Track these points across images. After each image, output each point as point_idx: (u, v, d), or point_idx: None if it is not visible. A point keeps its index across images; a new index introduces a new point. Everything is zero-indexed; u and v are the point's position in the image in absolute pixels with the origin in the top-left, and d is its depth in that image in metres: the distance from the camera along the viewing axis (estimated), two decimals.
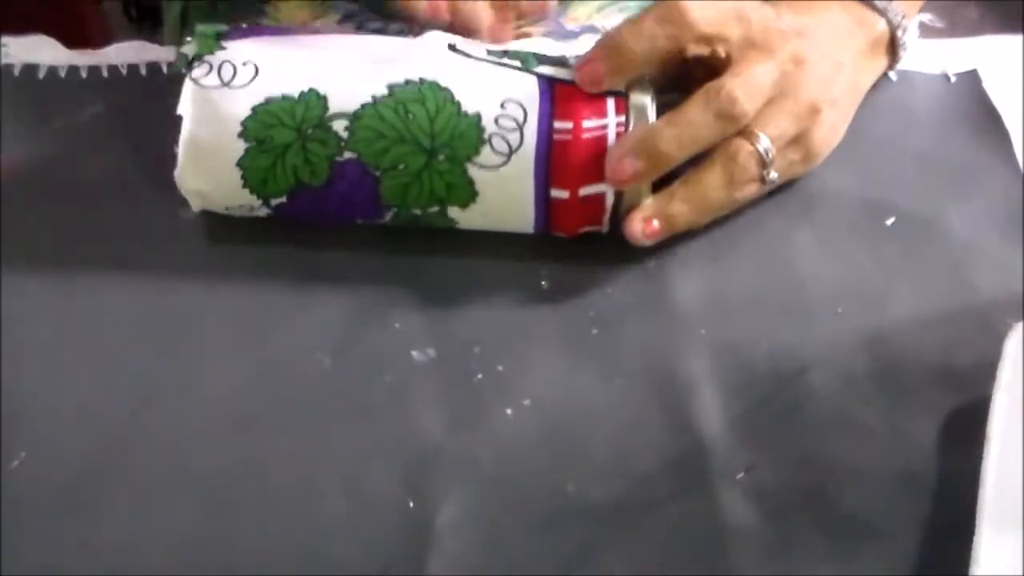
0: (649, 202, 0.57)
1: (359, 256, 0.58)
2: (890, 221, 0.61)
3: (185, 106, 0.56)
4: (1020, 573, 0.46)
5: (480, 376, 0.55)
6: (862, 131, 0.63)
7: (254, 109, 0.55)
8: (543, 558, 0.49)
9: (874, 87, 0.66)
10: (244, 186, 0.56)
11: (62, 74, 0.66)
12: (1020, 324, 0.52)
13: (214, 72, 0.56)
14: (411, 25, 0.78)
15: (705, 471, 0.52)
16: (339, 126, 0.55)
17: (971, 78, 0.68)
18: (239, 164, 0.56)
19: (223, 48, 0.57)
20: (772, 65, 0.58)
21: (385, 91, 0.55)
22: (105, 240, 0.59)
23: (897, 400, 0.54)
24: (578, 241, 0.59)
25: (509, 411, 0.54)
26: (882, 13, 0.64)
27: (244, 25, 0.58)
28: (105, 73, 0.66)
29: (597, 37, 0.78)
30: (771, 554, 0.49)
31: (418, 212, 0.57)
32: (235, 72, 0.56)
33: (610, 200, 0.57)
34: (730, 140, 0.57)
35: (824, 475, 0.52)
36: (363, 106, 0.55)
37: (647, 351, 0.56)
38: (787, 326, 0.57)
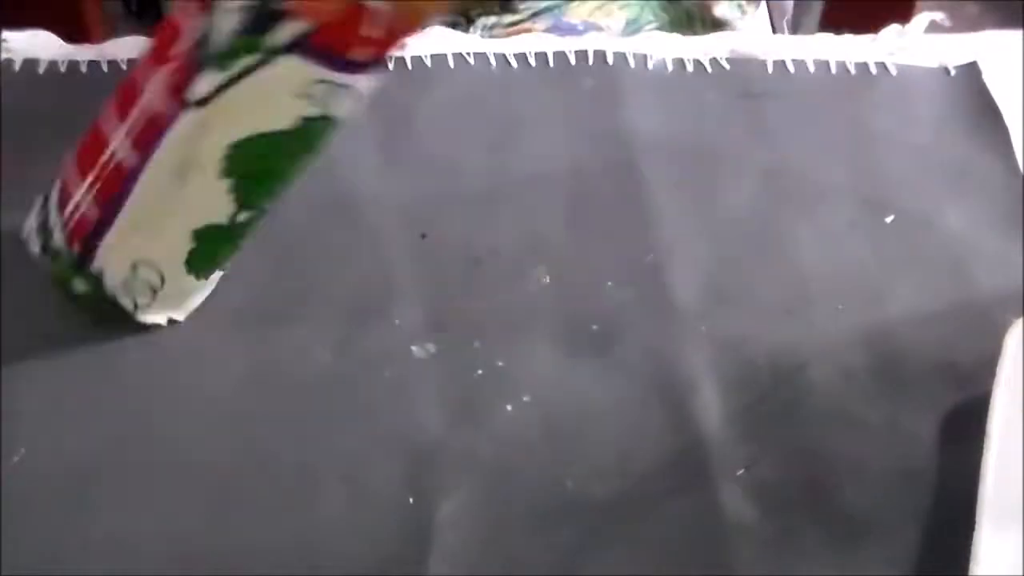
0: None
1: (359, 252, 0.58)
2: (889, 218, 0.61)
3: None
4: (1021, 570, 0.46)
5: (480, 372, 0.55)
6: (862, 126, 0.63)
7: None
8: (543, 554, 0.49)
9: (874, 81, 0.66)
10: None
11: (62, 69, 0.66)
12: (1020, 320, 0.52)
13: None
14: None
15: (705, 467, 0.52)
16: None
17: (971, 70, 0.68)
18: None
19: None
20: None
21: None
22: None
23: (897, 396, 0.54)
24: (578, 237, 0.58)
25: (509, 407, 0.54)
26: None
27: None
28: (105, 68, 0.66)
29: (601, 36, 0.79)
30: (771, 550, 0.50)
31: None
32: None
33: None
34: None
35: (824, 471, 0.52)
36: None
37: (647, 347, 0.56)
38: (787, 322, 0.57)
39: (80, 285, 0.54)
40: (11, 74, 0.66)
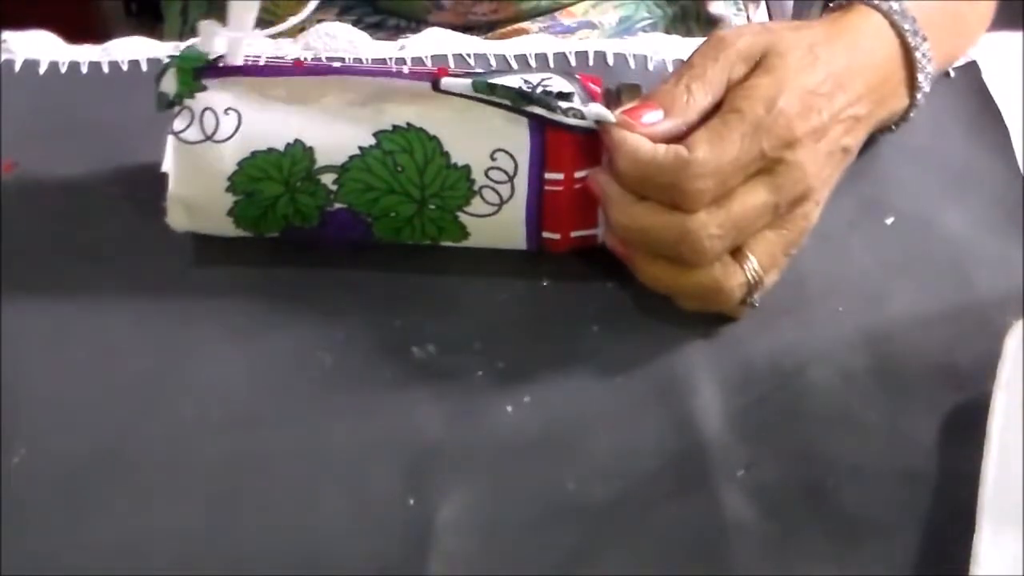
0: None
1: (359, 253, 0.58)
2: (890, 220, 0.61)
3: (169, 163, 0.55)
4: (1020, 571, 0.46)
5: (480, 373, 0.55)
6: None
7: (240, 164, 0.55)
8: (543, 555, 0.49)
9: None
10: (237, 227, 0.56)
11: (63, 69, 0.66)
12: (1020, 322, 0.52)
13: (196, 123, 0.55)
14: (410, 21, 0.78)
15: (705, 468, 0.52)
16: (327, 179, 0.55)
17: (971, 70, 0.68)
18: (229, 213, 0.56)
19: (203, 89, 0.55)
20: (771, 200, 0.53)
21: (372, 140, 0.55)
22: (106, 237, 0.59)
23: (897, 398, 0.54)
24: None
25: (509, 408, 0.54)
26: (916, 89, 0.60)
27: (221, 62, 0.56)
28: (106, 68, 0.66)
29: (594, 33, 0.79)
30: (771, 551, 0.50)
31: (411, 243, 0.57)
32: (217, 123, 0.55)
33: (602, 239, 0.57)
34: (723, 262, 0.54)
35: (824, 472, 0.52)
36: (350, 158, 0.54)
37: (647, 348, 0.56)
38: (787, 324, 0.57)
39: (170, 85, 0.55)
40: (11, 74, 0.65)
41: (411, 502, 0.51)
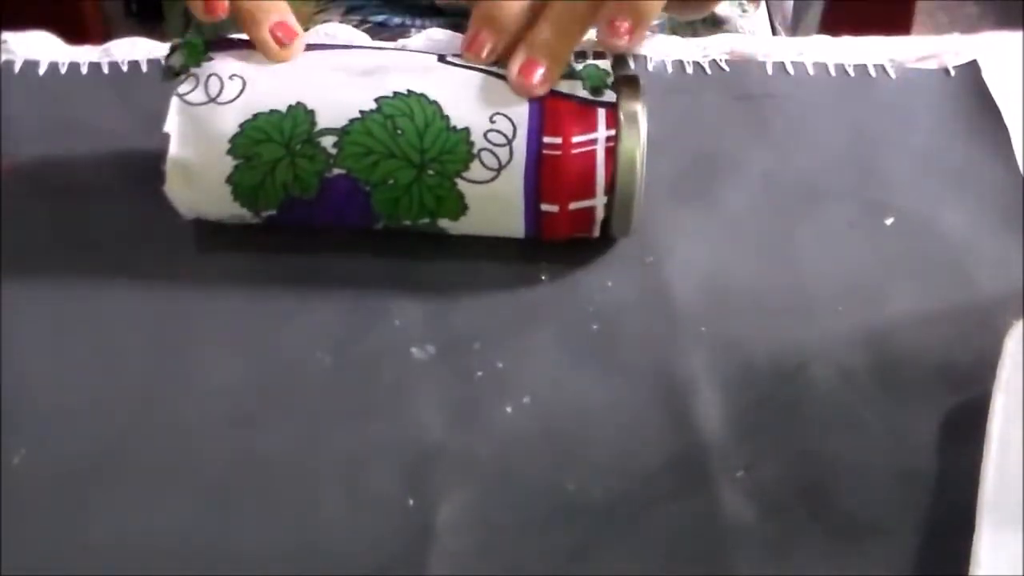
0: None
1: (358, 253, 0.58)
2: (889, 220, 0.61)
3: (171, 124, 0.55)
4: (1020, 572, 0.46)
5: (480, 373, 0.55)
6: (862, 128, 0.63)
7: (241, 126, 0.55)
8: (543, 556, 0.49)
9: (873, 83, 0.66)
10: (235, 200, 0.56)
11: (63, 70, 0.66)
12: (1020, 322, 0.52)
13: (200, 87, 0.55)
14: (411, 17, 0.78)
15: (705, 468, 0.52)
16: (327, 142, 0.55)
17: (971, 70, 0.68)
18: (228, 180, 0.55)
19: (210, 59, 0.56)
20: None
21: (373, 105, 0.55)
22: (105, 237, 0.59)
23: (897, 398, 0.54)
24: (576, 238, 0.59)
25: (509, 408, 0.54)
26: None
27: (234, 36, 0.57)
28: (106, 69, 0.66)
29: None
30: (770, 552, 0.50)
31: (408, 223, 0.57)
32: (222, 86, 0.55)
33: (600, 213, 0.56)
34: None
35: (824, 472, 0.52)
36: (351, 121, 0.55)
37: (647, 348, 0.56)
38: (787, 324, 0.57)
39: (178, 59, 0.56)
40: (11, 74, 0.66)
41: (411, 502, 0.51)
